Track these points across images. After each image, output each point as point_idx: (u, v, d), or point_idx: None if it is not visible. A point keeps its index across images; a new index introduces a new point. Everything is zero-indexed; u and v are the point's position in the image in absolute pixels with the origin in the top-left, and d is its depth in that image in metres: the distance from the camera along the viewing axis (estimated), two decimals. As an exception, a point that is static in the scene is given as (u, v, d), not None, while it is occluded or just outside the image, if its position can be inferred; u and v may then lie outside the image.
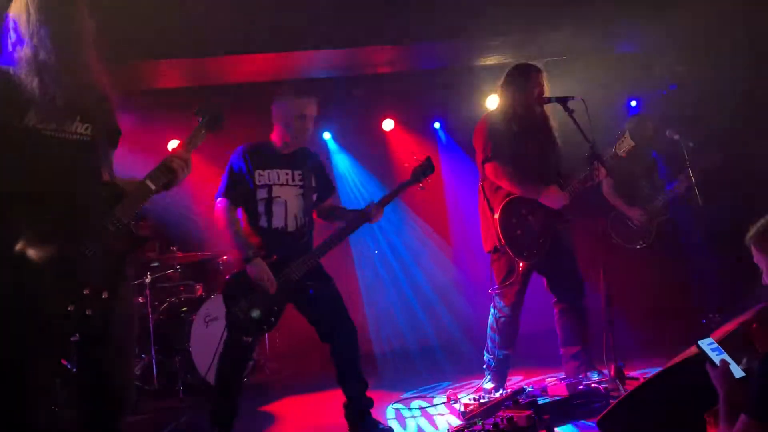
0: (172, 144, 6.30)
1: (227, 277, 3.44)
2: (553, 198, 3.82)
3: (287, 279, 3.35)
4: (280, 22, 4.87)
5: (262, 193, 3.42)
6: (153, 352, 5.07)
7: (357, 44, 5.23)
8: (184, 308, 5.34)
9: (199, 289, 5.64)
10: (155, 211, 5.90)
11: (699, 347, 2.25)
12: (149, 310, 5.15)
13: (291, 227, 3.47)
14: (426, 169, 3.64)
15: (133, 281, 2.48)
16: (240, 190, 3.42)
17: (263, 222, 3.43)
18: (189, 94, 5.72)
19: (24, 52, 2.21)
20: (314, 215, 3.65)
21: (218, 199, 3.43)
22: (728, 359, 2.18)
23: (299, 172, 3.53)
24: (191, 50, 4.90)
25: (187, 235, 6.02)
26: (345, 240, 3.58)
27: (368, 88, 6.40)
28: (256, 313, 3.31)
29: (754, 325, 2.58)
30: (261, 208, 3.43)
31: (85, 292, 2.19)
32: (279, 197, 3.44)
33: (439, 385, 4.57)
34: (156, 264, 5.52)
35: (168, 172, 2.40)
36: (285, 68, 5.65)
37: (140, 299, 5.28)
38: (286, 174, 3.49)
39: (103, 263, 2.23)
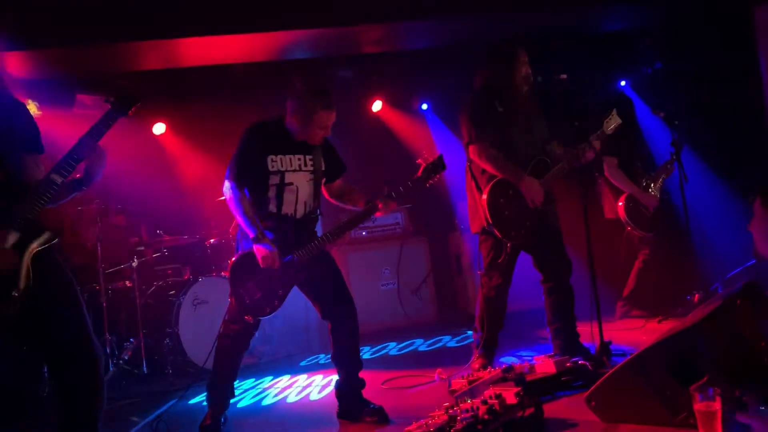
0: (157, 127, 6.25)
1: (233, 258, 3.43)
2: (530, 191, 3.82)
3: (293, 265, 3.35)
4: (262, 0, 4.80)
5: (274, 179, 3.38)
6: (141, 336, 5.06)
7: (343, 23, 5.17)
8: (172, 291, 5.32)
9: (187, 272, 5.62)
10: (140, 195, 5.88)
11: None
12: (136, 294, 5.14)
13: (300, 214, 3.45)
14: (437, 167, 3.54)
15: (64, 270, 2.55)
16: (251, 173, 3.38)
17: (273, 207, 3.41)
18: (170, 76, 5.65)
19: None
20: (325, 195, 3.66)
21: (227, 181, 3.40)
22: None
23: (310, 156, 3.49)
24: (169, 31, 4.83)
25: (174, 219, 6.00)
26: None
27: (355, 68, 6.35)
28: (260, 295, 3.32)
29: (738, 302, 2.62)
30: (272, 193, 3.39)
31: None
32: (291, 183, 3.41)
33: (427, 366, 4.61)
34: (142, 248, 5.49)
35: (73, 161, 2.42)
36: (268, 48, 5.57)
37: (127, 283, 5.28)
38: (299, 159, 3.45)
39: (10, 261, 2.28)
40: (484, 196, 3.82)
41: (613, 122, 3.93)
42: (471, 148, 3.90)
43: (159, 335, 5.18)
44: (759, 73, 5.57)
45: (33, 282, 2.35)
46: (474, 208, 3.99)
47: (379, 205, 3.44)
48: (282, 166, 3.40)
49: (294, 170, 3.43)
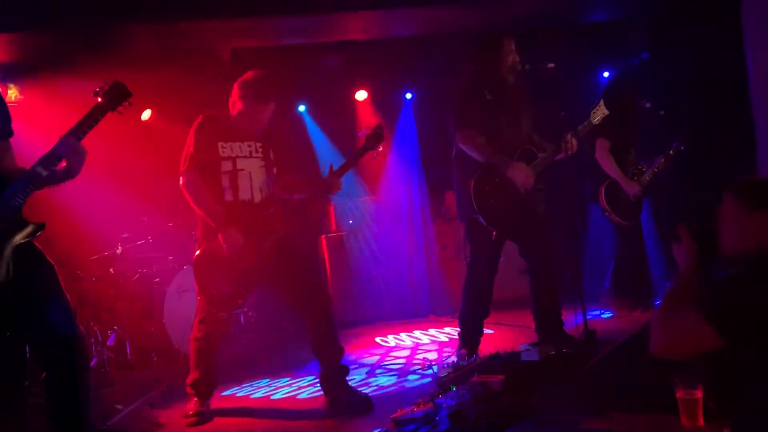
0: (146, 114, 6.15)
1: (197, 252, 3.39)
2: (519, 176, 3.80)
3: (258, 250, 3.32)
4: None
5: (226, 166, 3.38)
6: (126, 324, 5.02)
7: (328, 9, 5.12)
8: (156, 279, 5.29)
9: (171, 259, 5.57)
10: (120, 182, 5.80)
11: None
12: (120, 281, 5.09)
13: (257, 199, 3.43)
14: (378, 136, 3.61)
15: (45, 257, 2.53)
16: (203, 163, 3.36)
17: (229, 195, 3.39)
18: (158, 61, 5.58)
19: None
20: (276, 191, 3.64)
21: (183, 176, 3.38)
22: None
23: (260, 144, 3.50)
24: (158, 14, 4.77)
25: (158, 206, 5.93)
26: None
27: (341, 56, 6.30)
28: (229, 288, 3.29)
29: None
30: (225, 181, 3.38)
31: None
32: (243, 169, 3.40)
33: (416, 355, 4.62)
34: (126, 235, 5.44)
35: (55, 159, 2.41)
36: (252, 33, 5.52)
37: (111, 270, 5.23)
38: (249, 146, 3.45)
39: None
40: (471, 184, 3.81)
41: (599, 113, 3.92)
42: (458, 135, 3.89)
43: (143, 323, 5.14)
44: (745, 63, 5.59)
45: (16, 272, 2.33)
46: (460, 196, 3.98)
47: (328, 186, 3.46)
48: (232, 152, 3.39)
49: (245, 156, 3.42)
